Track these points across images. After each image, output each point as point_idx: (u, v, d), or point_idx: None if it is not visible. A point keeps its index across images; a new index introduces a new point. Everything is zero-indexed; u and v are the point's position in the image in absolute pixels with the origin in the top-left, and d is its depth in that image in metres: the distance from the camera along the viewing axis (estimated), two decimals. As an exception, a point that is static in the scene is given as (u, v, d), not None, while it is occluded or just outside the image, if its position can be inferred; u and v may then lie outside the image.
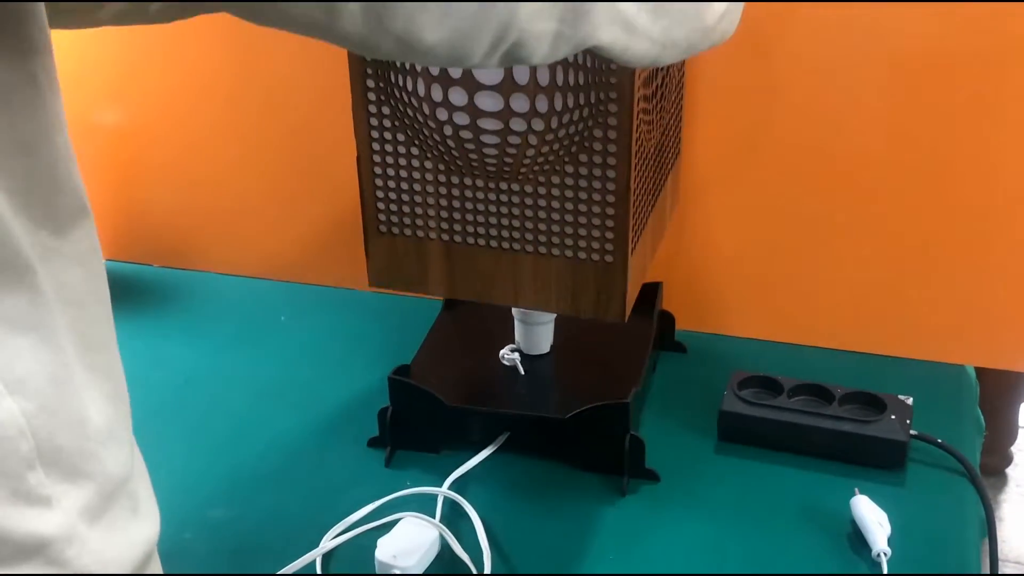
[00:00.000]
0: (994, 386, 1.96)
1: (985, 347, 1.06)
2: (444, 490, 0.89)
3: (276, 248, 1.25)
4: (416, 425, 0.94)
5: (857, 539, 0.84)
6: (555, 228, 0.81)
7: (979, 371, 2.01)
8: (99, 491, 0.49)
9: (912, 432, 0.91)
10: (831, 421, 0.91)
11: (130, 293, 1.22)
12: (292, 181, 1.21)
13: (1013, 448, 2.03)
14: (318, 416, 1.01)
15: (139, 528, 0.52)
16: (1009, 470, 2.04)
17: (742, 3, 0.62)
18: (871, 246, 1.04)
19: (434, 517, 0.86)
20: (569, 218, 0.80)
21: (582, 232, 0.81)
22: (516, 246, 0.83)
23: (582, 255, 0.81)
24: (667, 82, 0.88)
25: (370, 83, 0.79)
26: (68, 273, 0.48)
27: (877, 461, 0.90)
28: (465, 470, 0.91)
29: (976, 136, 0.97)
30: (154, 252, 1.29)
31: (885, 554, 0.81)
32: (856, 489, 0.86)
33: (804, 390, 0.94)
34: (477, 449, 0.93)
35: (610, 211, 0.79)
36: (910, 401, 0.93)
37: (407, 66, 0.77)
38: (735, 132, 1.04)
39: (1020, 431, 2.04)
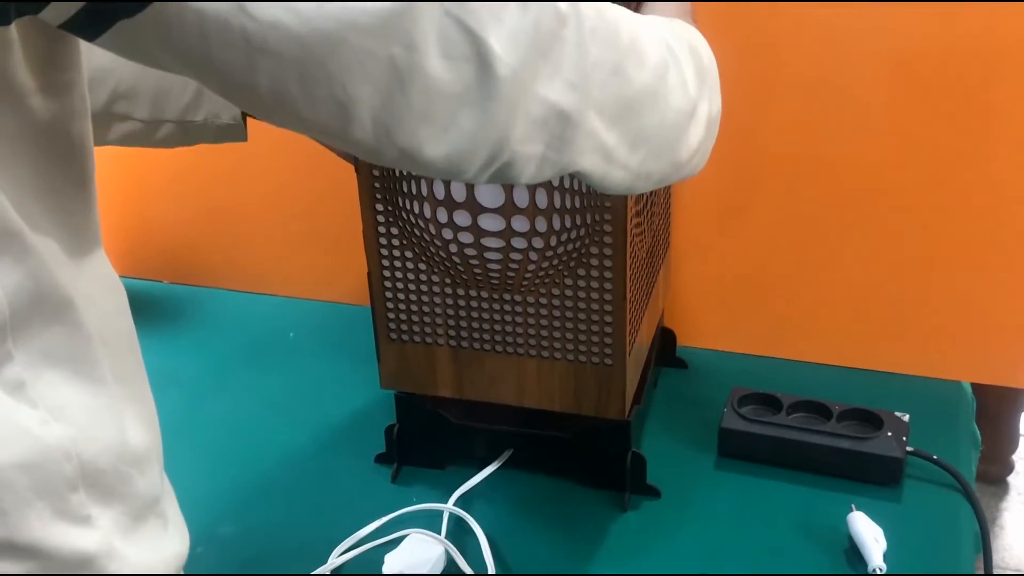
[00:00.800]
0: (995, 395, 1.96)
1: (981, 363, 1.08)
2: (449, 506, 0.91)
3: (285, 265, 1.27)
4: (422, 442, 0.96)
5: (854, 554, 0.85)
6: (556, 334, 0.85)
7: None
8: (133, 510, 0.52)
9: (908, 449, 0.92)
10: (829, 438, 0.93)
11: (140, 309, 1.23)
12: (301, 198, 1.23)
13: (1014, 456, 2.05)
14: (326, 432, 1.03)
15: (170, 545, 0.56)
16: (1010, 478, 2.05)
17: (713, 140, 0.65)
18: (869, 264, 1.06)
19: (440, 533, 0.88)
20: (570, 325, 0.85)
21: (582, 338, 0.85)
22: (520, 351, 0.87)
23: (583, 358, 0.86)
24: (655, 191, 0.92)
25: (379, 207, 0.84)
26: (98, 306, 0.51)
27: (874, 477, 0.92)
28: (470, 486, 0.93)
29: (971, 159, 0.99)
30: (164, 268, 1.32)
31: (881, 570, 0.83)
32: (853, 506, 0.88)
33: (803, 407, 0.96)
34: (482, 465, 0.95)
35: (608, 318, 0.83)
36: (906, 418, 0.94)
37: (413, 191, 0.81)
38: (734, 156, 1.05)
39: (1021, 439, 2.05)
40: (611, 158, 0.55)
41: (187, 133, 0.90)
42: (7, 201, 0.45)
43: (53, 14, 0.42)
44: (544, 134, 0.50)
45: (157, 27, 0.41)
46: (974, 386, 1.27)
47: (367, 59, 0.43)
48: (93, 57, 0.60)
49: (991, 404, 1.99)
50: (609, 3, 0.54)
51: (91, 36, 0.43)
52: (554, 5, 0.48)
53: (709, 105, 0.63)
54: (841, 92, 1.00)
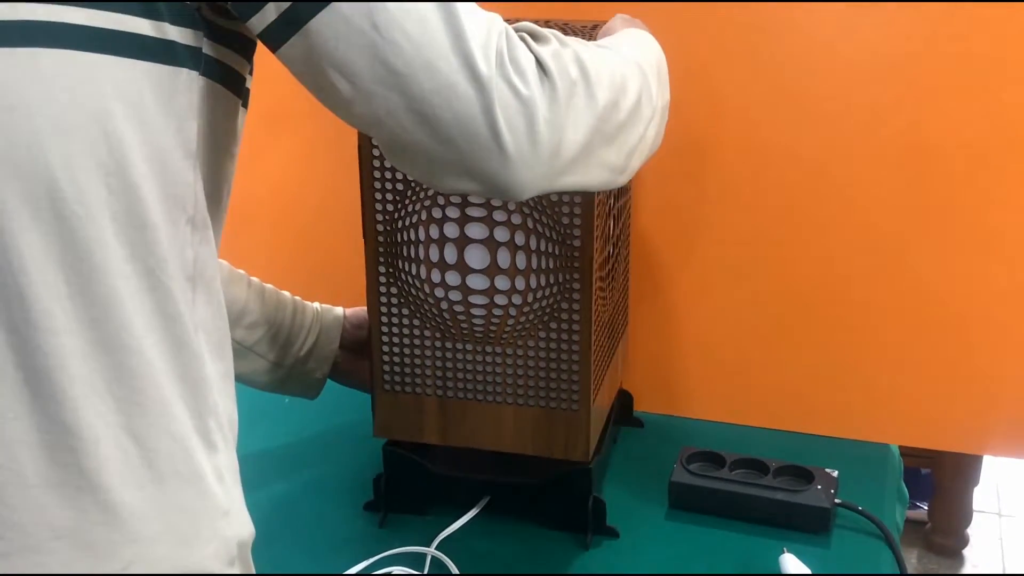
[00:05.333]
0: (949, 470, 2.08)
1: (906, 428, 1.20)
2: (432, 550, 1.01)
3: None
4: (407, 490, 1.07)
5: (784, 591, 0.97)
6: (531, 382, 0.99)
7: (936, 457, 2.15)
8: (235, 464, 0.68)
9: (836, 500, 1.04)
10: (766, 491, 1.04)
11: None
12: (299, 269, 1.35)
13: (968, 530, 2.14)
14: (319, 484, 1.14)
15: (247, 514, 0.69)
16: (965, 551, 2.14)
17: (665, 122, 0.82)
18: (808, 341, 1.19)
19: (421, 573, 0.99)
20: (542, 374, 0.98)
21: (553, 385, 0.98)
22: (499, 398, 1.00)
23: (553, 404, 0.98)
24: (615, 267, 1.07)
25: (381, 269, 0.98)
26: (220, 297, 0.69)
27: (805, 526, 1.03)
28: (450, 532, 1.03)
29: (918, 238, 1.12)
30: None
31: (805, 599, 0.94)
32: (784, 548, 0.99)
33: (743, 464, 1.08)
34: (461, 511, 1.06)
35: (575, 367, 0.97)
36: (835, 474, 1.06)
37: (412, 255, 0.96)
38: (689, 243, 1.20)
39: (974, 514, 2.15)
40: (612, 169, 0.72)
41: (290, 380, 1.08)
42: (204, 202, 0.64)
43: (257, 21, 0.60)
44: (575, 165, 0.67)
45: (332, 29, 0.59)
46: (932, 464, 1.36)
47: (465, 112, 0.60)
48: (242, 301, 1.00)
49: (945, 479, 2.10)
50: (604, 49, 0.73)
51: (281, 40, 0.60)
52: (568, 74, 0.65)
53: (664, 98, 0.81)
54: (801, 176, 1.14)
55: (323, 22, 0.59)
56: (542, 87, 0.63)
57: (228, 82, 0.66)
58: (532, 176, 0.63)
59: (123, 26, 0.58)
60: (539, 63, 0.63)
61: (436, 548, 1.02)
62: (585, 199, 0.91)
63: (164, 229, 0.61)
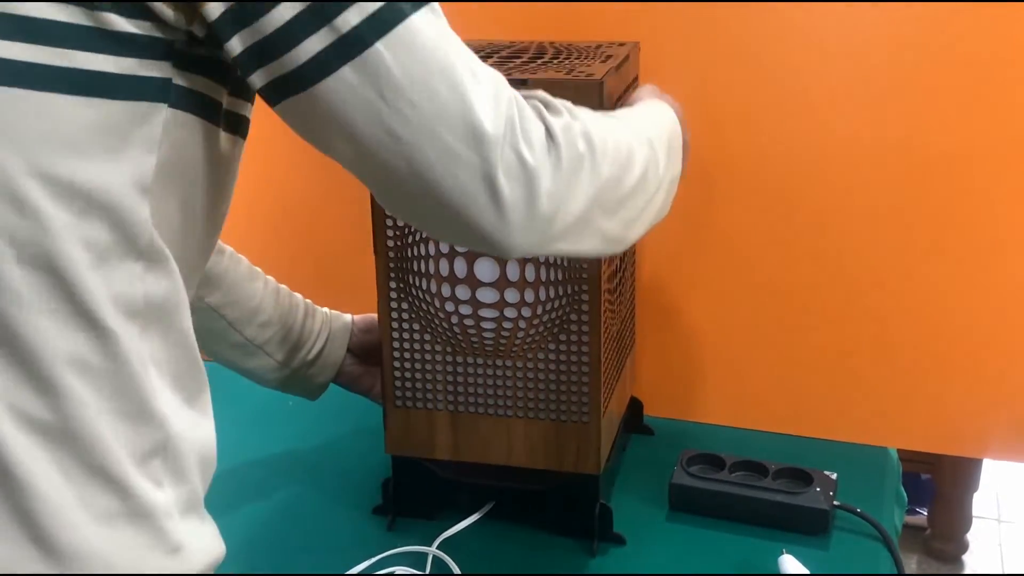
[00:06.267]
0: (948, 476, 2.09)
1: (906, 431, 1.21)
2: (433, 549, 1.03)
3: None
4: (415, 495, 1.08)
5: (784, 593, 0.98)
6: (541, 395, 0.99)
7: (936, 462, 2.17)
8: (191, 497, 0.67)
9: (835, 502, 1.05)
10: (765, 492, 1.06)
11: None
12: (302, 275, 1.35)
13: (968, 536, 2.15)
14: (327, 488, 1.15)
15: (212, 541, 0.69)
16: (965, 556, 2.15)
17: (674, 193, 0.83)
18: (808, 345, 1.21)
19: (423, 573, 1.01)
20: (552, 387, 0.99)
21: (563, 398, 0.99)
22: (509, 412, 1.01)
23: (564, 417, 0.99)
24: (623, 281, 1.08)
25: (392, 284, 0.99)
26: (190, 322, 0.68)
27: (804, 527, 1.04)
28: (453, 532, 1.05)
29: (924, 241, 1.14)
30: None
31: (803, 599, 0.95)
32: (783, 549, 1.00)
33: (743, 466, 1.09)
34: (469, 515, 1.07)
35: (585, 379, 0.98)
36: (834, 476, 1.07)
37: (422, 270, 0.97)
38: (693, 264, 1.21)
39: (974, 520, 2.17)
40: (609, 239, 0.73)
41: (293, 381, 1.09)
42: (160, 234, 0.62)
43: (258, 78, 0.60)
44: (569, 234, 0.68)
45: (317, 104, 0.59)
46: (931, 469, 1.34)
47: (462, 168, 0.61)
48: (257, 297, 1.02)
49: (945, 485, 2.11)
50: (614, 121, 0.74)
51: (281, 98, 0.60)
52: (576, 148, 0.65)
53: (673, 171, 0.82)
54: (801, 182, 1.15)
55: (329, 88, 0.59)
56: (548, 157, 0.63)
57: (202, 110, 0.64)
58: (525, 241, 0.64)
59: (71, 62, 0.57)
60: (549, 133, 0.64)
61: (439, 549, 1.03)
62: None
63: (96, 268, 0.60)
